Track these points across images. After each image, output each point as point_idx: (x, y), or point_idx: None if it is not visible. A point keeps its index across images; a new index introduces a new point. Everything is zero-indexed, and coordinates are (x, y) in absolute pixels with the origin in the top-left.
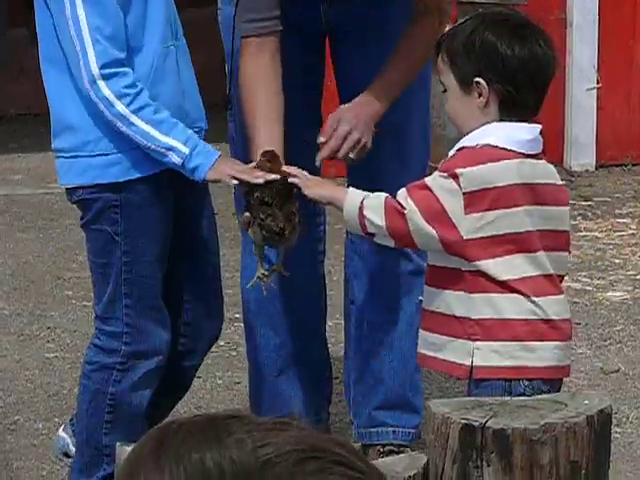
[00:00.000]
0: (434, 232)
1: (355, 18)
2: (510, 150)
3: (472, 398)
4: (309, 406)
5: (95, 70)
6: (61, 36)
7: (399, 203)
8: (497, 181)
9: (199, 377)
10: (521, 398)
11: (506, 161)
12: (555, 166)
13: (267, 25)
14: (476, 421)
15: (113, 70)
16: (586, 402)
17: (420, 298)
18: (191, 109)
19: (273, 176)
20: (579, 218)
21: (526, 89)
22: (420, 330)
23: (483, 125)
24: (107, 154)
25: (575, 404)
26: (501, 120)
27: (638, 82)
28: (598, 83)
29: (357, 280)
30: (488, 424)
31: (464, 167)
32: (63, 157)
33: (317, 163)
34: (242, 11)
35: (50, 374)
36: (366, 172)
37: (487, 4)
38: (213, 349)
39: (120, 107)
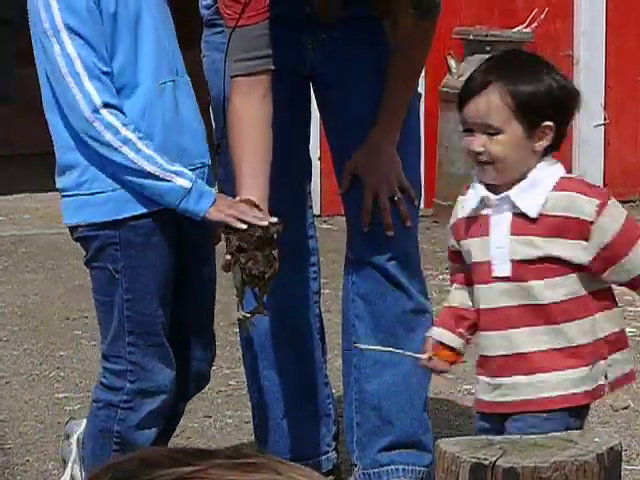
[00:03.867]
0: None
1: (339, 61)
2: None
3: (482, 437)
4: (317, 446)
5: (97, 101)
6: (52, 77)
7: None
8: None
9: (209, 417)
10: (531, 436)
11: None
12: None
13: (257, 64)
14: (486, 460)
15: (112, 108)
16: (596, 440)
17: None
18: (191, 146)
19: (264, 222)
20: None
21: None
22: None
23: (533, 169)
24: (102, 192)
25: (585, 442)
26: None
27: None
28: (605, 120)
29: (360, 321)
30: (498, 463)
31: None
32: (64, 196)
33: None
34: (232, 50)
35: (60, 414)
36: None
37: (495, 42)
38: (222, 388)
39: (127, 132)
